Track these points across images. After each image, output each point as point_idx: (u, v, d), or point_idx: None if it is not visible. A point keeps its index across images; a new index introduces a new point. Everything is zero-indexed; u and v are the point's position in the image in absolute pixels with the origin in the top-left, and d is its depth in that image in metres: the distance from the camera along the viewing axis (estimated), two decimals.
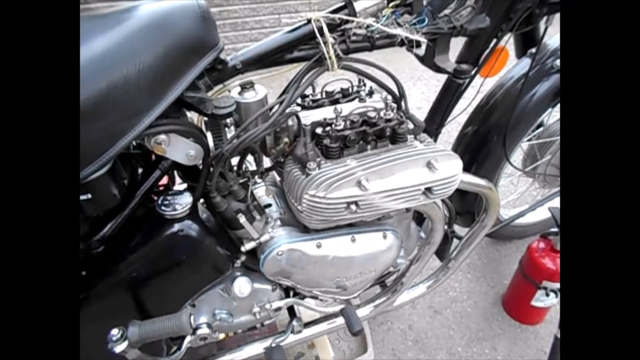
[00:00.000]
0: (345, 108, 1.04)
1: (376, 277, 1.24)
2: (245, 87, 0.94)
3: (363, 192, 0.94)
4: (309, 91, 1.15)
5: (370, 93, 1.17)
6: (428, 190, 1.01)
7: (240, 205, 0.95)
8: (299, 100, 1.15)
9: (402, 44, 1.04)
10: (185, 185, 1.03)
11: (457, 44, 1.17)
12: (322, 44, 0.92)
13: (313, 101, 1.14)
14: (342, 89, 1.17)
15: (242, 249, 1.03)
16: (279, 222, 1.08)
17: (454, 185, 1.02)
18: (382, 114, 1.02)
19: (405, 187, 0.97)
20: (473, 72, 1.10)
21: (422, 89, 3.39)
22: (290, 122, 1.01)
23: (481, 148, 1.37)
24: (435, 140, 1.31)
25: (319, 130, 1.00)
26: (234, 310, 1.15)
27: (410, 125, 1.08)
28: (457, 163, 1.02)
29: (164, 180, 0.99)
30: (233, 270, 1.09)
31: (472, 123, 1.43)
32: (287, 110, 1.00)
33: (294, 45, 0.95)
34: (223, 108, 0.86)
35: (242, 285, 1.08)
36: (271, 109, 0.93)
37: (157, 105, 0.71)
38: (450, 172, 1.00)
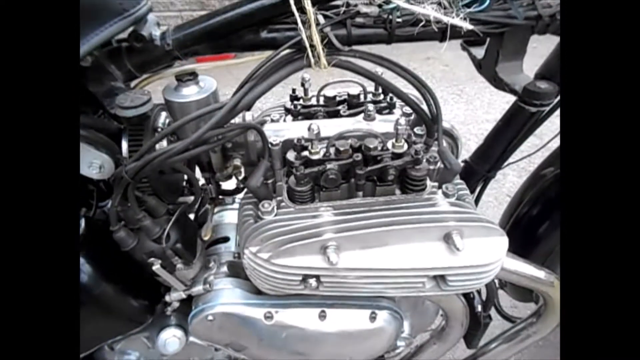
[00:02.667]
0: (332, 126, 0.69)
1: None
2: (182, 78, 0.63)
3: (327, 266, 0.60)
4: (301, 93, 0.82)
5: (390, 106, 0.80)
6: (441, 278, 0.63)
7: (154, 247, 0.66)
8: (287, 104, 0.82)
9: (442, 36, 0.65)
10: None
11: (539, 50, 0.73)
12: (301, 26, 0.58)
13: (304, 107, 0.80)
14: (349, 95, 0.81)
15: (167, 298, 0.76)
16: (225, 270, 0.78)
17: (488, 276, 0.63)
18: (391, 143, 0.65)
19: (401, 270, 0.61)
20: (558, 97, 0.67)
21: (459, 112, 2.67)
22: (251, 137, 0.69)
23: (541, 225, 0.93)
24: (481, 190, 0.89)
25: (291, 156, 0.67)
26: None
27: (433, 166, 0.70)
28: (499, 243, 0.62)
29: None
30: (160, 318, 0.82)
31: (539, 181, 0.97)
32: (246, 118, 0.68)
33: (262, 22, 0.62)
34: (128, 108, 0.56)
35: (168, 340, 0.81)
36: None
37: None
38: (484, 257, 0.61)
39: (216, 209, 0.96)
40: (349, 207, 0.65)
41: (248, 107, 0.60)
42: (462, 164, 0.95)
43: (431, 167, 0.71)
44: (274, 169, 0.71)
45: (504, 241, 0.63)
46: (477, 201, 0.92)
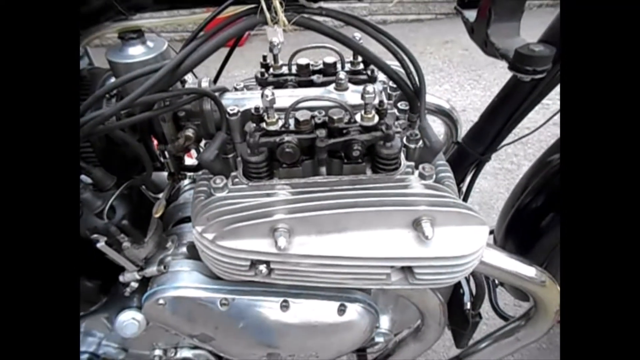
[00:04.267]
0: (300, 95, 0.61)
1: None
2: (125, 36, 0.57)
3: (276, 252, 0.53)
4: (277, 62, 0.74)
5: (371, 79, 0.71)
6: (409, 271, 0.55)
7: (97, 222, 0.61)
8: (258, 73, 0.74)
9: None
10: None
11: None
12: None
13: (274, 76, 0.72)
14: (324, 63, 0.73)
15: (121, 278, 0.71)
16: (184, 251, 0.73)
17: (463, 270, 0.55)
18: (361, 115, 0.57)
19: (361, 259, 0.53)
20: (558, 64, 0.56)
21: (475, 99, 2.41)
22: (207, 106, 0.62)
23: (544, 218, 0.81)
24: (474, 175, 0.79)
25: (248, 128, 0.60)
26: (128, 347, 0.85)
27: (414, 144, 0.61)
28: (478, 233, 0.54)
29: None
30: (120, 299, 0.77)
31: (539, 171, 0.85)
32: (202, 84, 0.61)
33: None
34: None
35: (126, 323, 0.76)
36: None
37: None
38: (458, 248, 0.53)
39: (187, 186, 0.91)
40: (307, 185, 0.57)
41: (191, 69, 0.53)
42: (448, 143, 0.86)
43: (411, 145, 0.63)
44: (234, 142, 0.64)
45: (483, 231, 0.54)
46: (469, 187, 0.83)
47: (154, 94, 0.53)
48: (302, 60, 0.72)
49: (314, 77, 0.71)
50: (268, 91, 0.54)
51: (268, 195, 0.57)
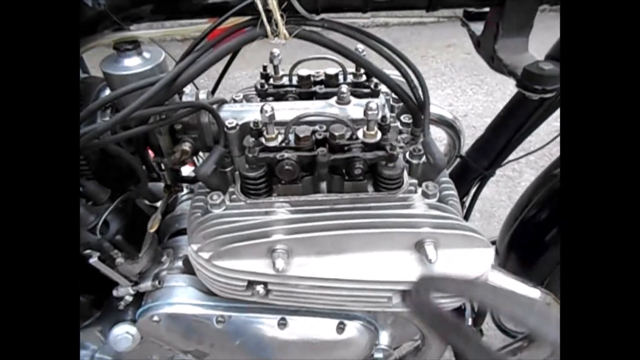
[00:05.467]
0: (301, 108, 0.60)
1: None
2: (121, 47, 0.55)
3: (275, 273, 0.51)
4: (279, 72, 0.72)
5: (374, 92, 0.69)
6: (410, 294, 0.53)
7: (90, 238, 0.59)
8: (258, 84, 0.72)
9: (429, 4, 0.54)
10: None
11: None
12: None
13: (274, 87, 0.70)
14: (326, 75, 0.71)
15: (114, 292, 0.69)
16: (179, 265, 0.71)
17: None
18: (363, 131, 0.55)
19: (362, 282, 0.52)
20: None
21: (477, 104, 2.39)
22: (205, 119, 0.60)
23: (548, 232, 0.80)
24: (478, 190, 0.78)
25: (247, 142, 0.58)
26: (122, 359, 0.83)
27: (417, 160, 0.60)
28: (483, 256, 0.52)
29: None
30: (114, 312, 0.75)
31: (544, 185, 0.83)
32: (200, 97, 0.60)
33: None
34: None
35: (119, 337, 0.74)
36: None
37: None
38: (462, 271, 0.51)
39: (185, 195, 0.89)
40: (307, 203, 0.55)
41: (188, 82, 0.52)
42: (450, 154, 0.84)
43: (414, 161, 0.61)
44: (232, 156, 0.62)
45: (488, 254, 0.52)
46: (472, 203, 0.81)
47: (150, 108, 0.51)
48: (303, 71, 0.70)
49: (316, 89, 0.69)
50: (267, 106, 0.52)
51: (266, 213, 0.55)
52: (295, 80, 0.70)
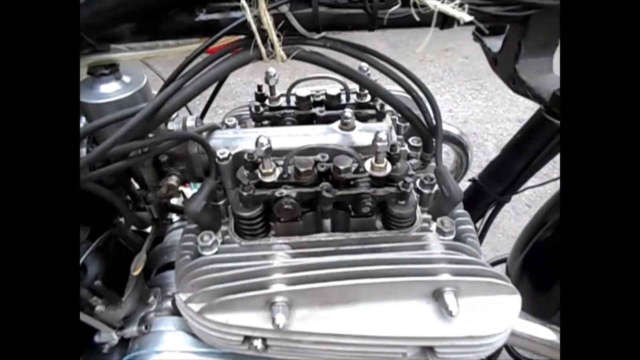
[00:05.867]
0: (300, 134, 0.54)
1: None
2: (96, 72, 0.48)
3: (273, 328, 0.45)
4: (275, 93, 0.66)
5: (379, 114, 0.63)
6: (428, 349, 0.47)
7: None
8: (253, 106, 0.66)
9: (444, 21, 0.48)
10: None
11: None
12: (245, 4, 0.42)
13: (271, 110, 0.64)
14: (327, 95, 0.65)
15: (96, 338, 0.62)
16: (168, 306, 0.64)
17: (491, 348, 0.47)
18: (370, 164, 0.49)
19: (372, 338, 0.46)
20: None
21: (477, 109, 2.31)
22: (194, 149, 0.54)
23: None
24: (491, 217, 0.72)
25: (241, 175, 0.52)
26: None
27: (428, 190, 0.54)
28: (509, 305, 0.46)
29: None
30: (100, 356, 0.69)
31: (555, 211, 0.76)
32: (187, 124, 0.54)
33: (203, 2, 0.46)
34: None
35: None
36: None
37: None
38: (487, 325, 0.45)
39: (176, 222, 0.82)
40: (309, 245, 0.49)
41: (172, 113, 0.45)
42: (457, 172, 0.79)
43: (425, 191, 0.55)
44: (225, 189, 0.56)
45: (514, 302, 0.46)
46: (484, 231, 0.76)
47: (130, 142, 0.45)
48: (301, 91, 0.64)
49: (316, 111, 0.63)
50: (263, 138, 0.46)
51: (264, 257, 0.49)
52: (293, 101, 0.64)
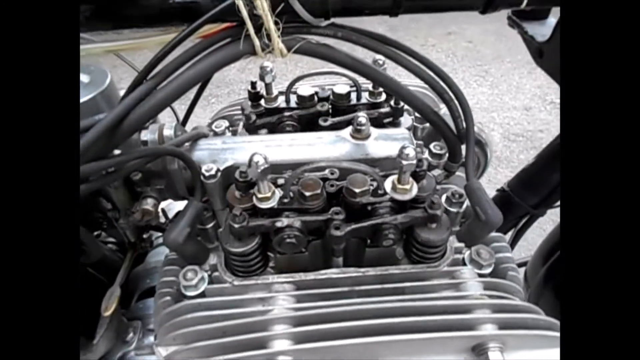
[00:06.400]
0: (303, 144, 0.44)
1: None
2: None
3: None
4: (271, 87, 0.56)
5: (395, 112, 0.53)
6: None
7: None
8: (246, 106, 0.56)
9: (486, 4, 0.38)
10: None
11: None
12: None
13: (267, 112, 0.54)
14: (334, 94, 0.55)
15: None
16: (150, 341, 0.55)
17: None
18: (390, 184, 0.39)
19: None
20: None
21: (482, 97, 2.25)
22: (174, 164, 0.44)
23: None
24: (521, 231, 0.63)
25: (232, 197, 0.42)
26: None
27: (456, 208, 0.45)
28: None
29: None
30: None
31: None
32: (163, 132, 0.43)
33: None
34: None
35: None
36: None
37: None
38: None
39: (161, 237, 0.73)
40: (318, 284, 0.40)
41: (141, 125, 0.35)
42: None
43: (453, 209, 0.46)
44: (214, 210, 0.46)
45: None
46: (513, 244, 0.67)
47: (87, 163, 0.35)
48: (304, 89, 0.54)
49: (319, 108, 0.53)
50: (259, 157, 0.36)
51: (262, 300, 0.40)
52: (294, 100, 0.54)
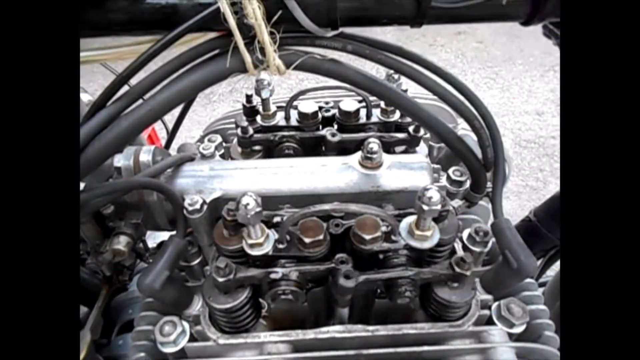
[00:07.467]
0: (303, 172, 0.37)
1: None
2: None
3: None
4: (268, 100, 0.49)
5: (412, 139, 0.46)
6: None
7: None
8: (241, 121, 0.49)
9: (530, 13, 0.31)
10: None
11: None
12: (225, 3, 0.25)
13: (264, 130, 0.47)
14: (340, 111, 0.48)
15: None
16: None
17: None
18: (406, 228, 0.33)
19: None
20: None
21: (492, 100, 2.16)
22: (153, 196, 0.38)
23: None
24: (551, 260, 0.56)
25: (220, 237, 0.35)
26: None
27: (480, 248, 0.38)
28: None
29: None
30: None
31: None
32: (140, 157, 0.37)
33: None
34: None
35: None
36: None
37: None
38: None
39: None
40: (318, 346, 0.33)
41: (100, 161, 0.29)
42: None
43: (476, 249, 0.39)
44: (200, 246, 0.40)
45: None
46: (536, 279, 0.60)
47: None
48: (306, 104, 0.47)
49: (326, 134, 0.46)
50: (249, 198, 0.29)
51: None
52: (294, 118, 0.47)
